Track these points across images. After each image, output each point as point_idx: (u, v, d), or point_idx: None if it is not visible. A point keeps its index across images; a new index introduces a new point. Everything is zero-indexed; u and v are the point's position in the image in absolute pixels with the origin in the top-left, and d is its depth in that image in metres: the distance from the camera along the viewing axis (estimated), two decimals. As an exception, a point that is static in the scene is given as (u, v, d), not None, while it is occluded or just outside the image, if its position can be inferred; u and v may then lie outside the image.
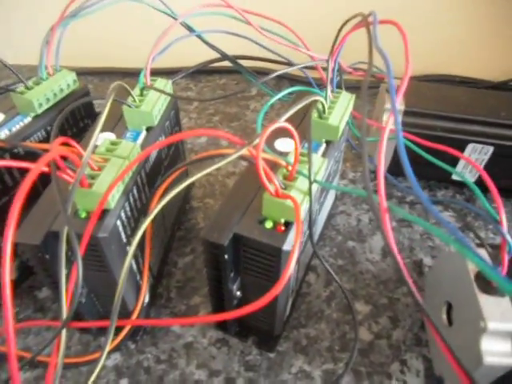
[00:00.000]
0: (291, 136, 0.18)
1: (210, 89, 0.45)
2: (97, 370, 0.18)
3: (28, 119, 0.25)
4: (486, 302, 0.19)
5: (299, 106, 0.19)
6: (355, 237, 0.31)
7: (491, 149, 0.31)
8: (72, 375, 0.23)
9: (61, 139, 0.19)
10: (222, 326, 0.25)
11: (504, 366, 0.19)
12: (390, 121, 0.16)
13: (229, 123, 0.40)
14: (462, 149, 0.31)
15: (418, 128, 0.31)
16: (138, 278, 0.24)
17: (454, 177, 0.33)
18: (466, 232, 0.31)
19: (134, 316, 0.23)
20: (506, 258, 0.19)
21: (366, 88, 0.16)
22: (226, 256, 0.19)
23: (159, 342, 0.25)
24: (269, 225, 0.19)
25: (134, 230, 0.22)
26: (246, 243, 0.19)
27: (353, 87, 0.31)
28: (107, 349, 0.18)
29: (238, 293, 0.21)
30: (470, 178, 0.33)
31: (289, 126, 0.18)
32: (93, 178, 0.19)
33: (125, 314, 0.24)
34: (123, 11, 0.27)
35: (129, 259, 0.18)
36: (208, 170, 0.18)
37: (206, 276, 0.21)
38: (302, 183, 0.19)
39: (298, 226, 0.17)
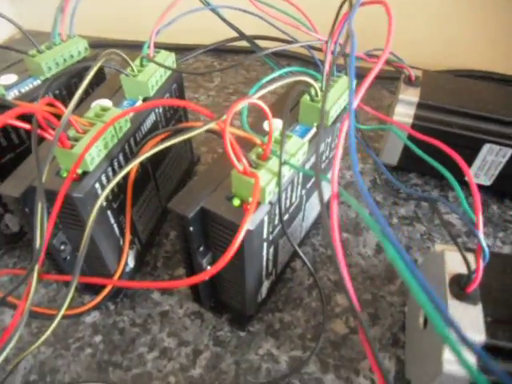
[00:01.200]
0: (264, 114, 0.18)
1: (234, 69, 0.45)
2: (56, 320, 0.19)
3: (38, 82, 0.26)
4: (455, 307, 0.18)
5: (277, 84, 0.19)
6: (351, 229, 0.30)
7: (510, 151, 0.28)
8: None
9: (46, 99, 0.19)
10: (197, 298, 0.25)
11: (464, 378, 0.17)
12: (350, 111, 0.15)
13: (245, 104, 0.40)
14: (477, 149, 0.29)
15: (431, 122, 0.29)
16: (121, 242, 0.25)
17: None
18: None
19: (115, 278, 0.24)
20: (481, 266, 0.18)
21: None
22: (191, 228, 0.19)
23: (137, 306, 0.26)
24: (236, 202, 0.19)
25: (115, 196, 0.23)
26: (211, 217, 0.19)
27: (380, 77, 0.30)
28: (67, 302, 0.19)
29: (209, 267, 0.22)
30: (486, 181, 0.31)
31: (260, 102, 0.18)
32: (76, 140, 0.20)
33: (107, 275, 0.25)
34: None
35: (96, 207, 0.18)
36: (176, 140, 0.18)
37: (180, 248, 0.21)
38: (274, 164, 0.19)
39: (253, 202, 0.16)
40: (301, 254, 0.22)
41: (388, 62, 0.30)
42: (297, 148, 0.20)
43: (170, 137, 0.18)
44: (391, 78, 0.43)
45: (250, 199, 0.19)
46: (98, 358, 0.24)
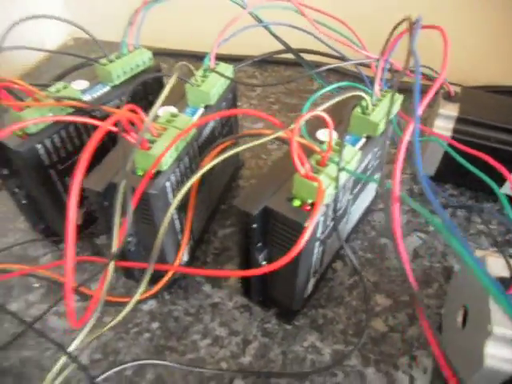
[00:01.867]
0: (328, 126, 0.20)
1: (274, 79, 0.47)
2: (130, 306, 0.21)
3: (107, 88, 0.29)
4: (496, 307, 0.20)
5: (338, 98, 0.21)
6: (389, 234, 0.31)
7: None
8: (113, 312, 0.27)
9: (129, 106, 0.22)
10: (247, 293, 0.27)
11: (504, 372, 0.19)
12: (411, 124, 0.17)
13: (287, 113, 0.42)
14: (512, 162, 0.30)
15: (470, 136, 0.31)
16: (180, 237, 0.27)
17: (504, 190, 0.32)
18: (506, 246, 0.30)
19: (176, 270, 0.26)
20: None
21: (397, 87, 0.17)
22: (254, 225, 0.21)
23: (190, 297, 0.28)
24: (296, 203, 0.21)
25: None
26: (274, 216, 0.21)
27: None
28: (141, 289, 0.21)
29: (264, 262, 0.24)
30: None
31: (325, 114, 0.20)
32: (152, 142, 0.22)
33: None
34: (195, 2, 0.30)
35: (171, 209, 0.21)
36: (244, 147, 0.20)
37: (238, 243, 0.24)
38: (332, 170, 0.21)
39: (318, 204, 0.18)
40: (348, 251, 0.24)
41: (429, 79, 0.32)
42: (351, 156, 0.22)
43: (233, 144, 0.20)
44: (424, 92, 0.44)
45: (310, 201, 0.21)
46: (155, 342, 0.26)
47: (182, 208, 0.26)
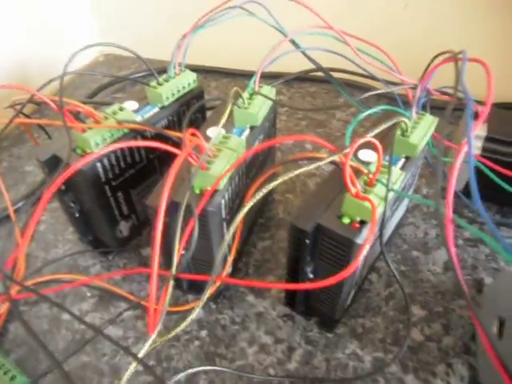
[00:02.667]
0: (375, 149, 0.22)
1: (301, 95, 0.49)
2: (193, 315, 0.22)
3: (156, 109, 0.31)
4: (536, 319, 0.21)
5: (387, 124, 0.22)
6: (420, 247, 0.33)
7: None
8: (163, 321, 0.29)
9: (191, 130, 0.24)
10: (290, 303, 0.29)
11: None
12: (464, 145, 0.19)
13: (315, 129, 0.44)
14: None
15: (498, 154, 0.32)
16: (227, 250, 0.28)
17: (529, 206, 0.34)
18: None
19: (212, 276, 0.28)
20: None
21: (449, 114, 0.19)
22: (307, 241, 0.23)
23: (235, 307, 0.29)
24: (346, 221, 0.23)
25: (230, 209, 0.27)
26: (325, 233, 0.23)
27: (437, 107, 0.33)
28: (206, 295, 0.23)
29: (311, 275, 0.25)
30: (546, 210, 0.33)
31: (375, 141, 0.21)
32: (209, 163, 0.24)
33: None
34: (237, 21, 0.32)
35: (230, 234, 0.22)
36: (302, 170, 0.22)
37: (287, 256, 0.25)
38: (379, 190, 0.23)
39: (374, 225, 0.20)
40: (391, 265, 0.25)
41: (458, 99, 0.34)
42: (397, 177, 0.23)
43: (286, 163, 0.22)
44: (443, 108, 0.46)
45: (358, 218, 0.22)
46: (205, 349, 0.27)
47: (231, 222, 0.28)
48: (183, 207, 0.23)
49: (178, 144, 0.25)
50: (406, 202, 0.33)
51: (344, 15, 0.34)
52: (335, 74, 0.40)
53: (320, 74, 0.38)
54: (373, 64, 0.30)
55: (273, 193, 0.37)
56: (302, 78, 0.50)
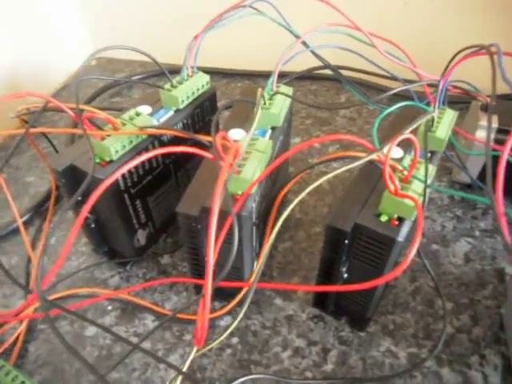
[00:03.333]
0: (407, 145, 0.22)
1: (302, 93, 0.49)
2: (236, 322, 0.22)
3: (171, 112, 0.30)
4: None
5: (420, 121, 0.22)
6: (439, 241, 0.33)
7: None
8: (190, 329, 0.28)
9: (221, 133, 0.23)
10: (319, 304, 0.29)
11: None
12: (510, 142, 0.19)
13: (320, 127, 0.44)
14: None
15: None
16: (254, 254, 0.28)
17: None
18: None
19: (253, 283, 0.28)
20: None
21: (491, 118, 0.19)
22: (346, 241, 0.23)
23: (264, 311, 0.29)
24: (384, 218, 0.22)
25: (259, 212, 0.26)
26: (364, 232, 0.23)
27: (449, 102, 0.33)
28: (245, 308, 0.22)
29: (346, 275, 0.25)
30: (556, 197, 0.34)
31: (413, 137, 0.21)
32: (239, 166, 0.23)
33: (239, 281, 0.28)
34: (235, 24, 0.31)
35: (267, 249, 0.22)
36: (341, 170, 0.22)
37: (321, 257, 0.25)
38: (416, 186, 0.23)
39: (421, 222, 0.20)
40: (425, 261, 0.25)
41: (467, 93, 0.34)
42: (430, 172, 0.23)
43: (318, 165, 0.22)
44: (457, 102, 0.46)
45: (396, 216, 0.22)
46: (238, 356, 0.27)
47: (258, 226, 0.27)
48: (217, 213, 0.22)
49: (201, 147, 0.24)
50: (423, 197, 0.33)
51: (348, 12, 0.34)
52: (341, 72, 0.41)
53: (321, 71, 0.37)
54: (396, 62, 0.30)
55: (287, 193, 0.37)
56: (303, 76, 0.49)
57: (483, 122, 0.33)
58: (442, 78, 0.26)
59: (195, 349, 0.21)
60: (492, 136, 0.33)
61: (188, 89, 0.30)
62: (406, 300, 0.30)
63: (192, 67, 0.31)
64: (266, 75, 0.43)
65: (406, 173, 0.23)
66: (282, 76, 0.38)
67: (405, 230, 0.22)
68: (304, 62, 0.38)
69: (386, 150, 0.21)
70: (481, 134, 0.33)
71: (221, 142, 0.23)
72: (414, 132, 0.26)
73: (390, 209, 0.22)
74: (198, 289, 0.29)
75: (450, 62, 0.26)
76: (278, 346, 0.27)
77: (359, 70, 0.45)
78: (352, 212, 0.23)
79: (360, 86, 0.48)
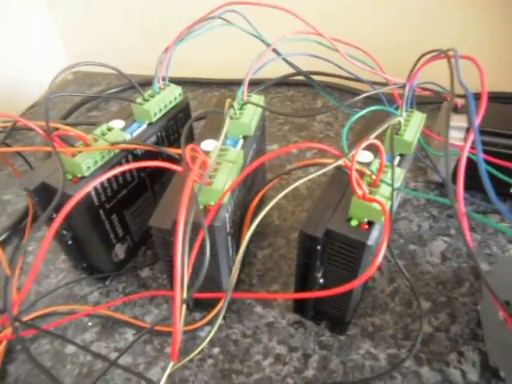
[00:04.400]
0: (373, 150, 0.22)
1: (279, 100, 0.49)
2: (212, 333, 0.22)
3: (144, 126, 0.30)
4: (543, 300, 0.22)
5: (386, 125, 0.23)
6: (416, 241, 0.34)
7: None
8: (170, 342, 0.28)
9: (191, 146, 0.23)
10: (299, 309, 0.29)
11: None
12: (470, 141, 0.19)
13: (298, 132, 0.44)
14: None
15: (482, 144, 0.33)
16: (231, 264, 0.28)
17: (512, 191, 0.35)
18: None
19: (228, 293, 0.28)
20: None
21: (449, 116, 0.19)
22: (318, 247, 0.23)
23: (244, 319, 0.29)
24: (354, 223, 0.23)
25: (233, 222, 0.26)
26: (335, 237, 0.23)
27: (418, 103, 0.34)
28: (220, 319, 0.22)
29: (321, 280, 0.25)
30: (528, 193, 0.35)
31: (378, 142, 0.22)
32: (210, 177, 0.24)
33: (218, 292, 0.28)
34: (223, 32, 0.31)
35: (240, 256, 0.22)
36: (310, 177, 0.22)
37: (296, 264, 0.25)
38: (384, 190, 0.23)
39: (388, 224, 0.20)
40: (398, 262, 0.26)
41: (437, 94, 0.35)
42: (398, 175, 0.24)
43: (289, 173, 0.22)
44: (431, 103, 0.47)
45: (366, 220, 0.23)
46: (219, 367, 0.27)
47: (234, 236, 0.28)
48: (189, 225, 0.22)
49: (172, 159, 0.24)
50: (398, 198, 0.34)
51: (322, 20, 0.34)
52: (314, 77, 0.41)
53: (296, 77, 0.38)
54: (361, 67, 0.30)
55: (265, 200, 0.37)
56: (279, 82, 0.50)
57: (452, 123, 0.34)
58: (407, 81, 0.27)
59: (171, 363, 0.21)
60: (462, 135, 0.34)
61: (160, 102, 0.30)
62: (384, 301, 0.30)
63: (164, 79, 0.32)
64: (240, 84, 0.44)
65: (374, 177, 0.23)
66: (257, 84, 0.38)
67: (375, 233, 0.23)
68: (280, 70, 0.39)
69: (352, 155, 0.21)
70: (451, 135, 0.34)
71: (191, 154, 0.23)
72: (382, 136, 0.27)
73: (359, 213, 0.23)
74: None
75: (414, 65, 0.26)
76: (259, 354, 0.27)
77: (333, 75, 0.46)
78: (323, 218, 0.23)
79: (337, 90, 0.49)
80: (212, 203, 0.24)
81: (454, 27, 0.46)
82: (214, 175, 0.24)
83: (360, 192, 0.22)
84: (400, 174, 0.24)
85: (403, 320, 0.29)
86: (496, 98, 0.48)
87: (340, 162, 0.22)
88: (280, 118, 0.46)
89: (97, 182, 0.20)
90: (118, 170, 0.20)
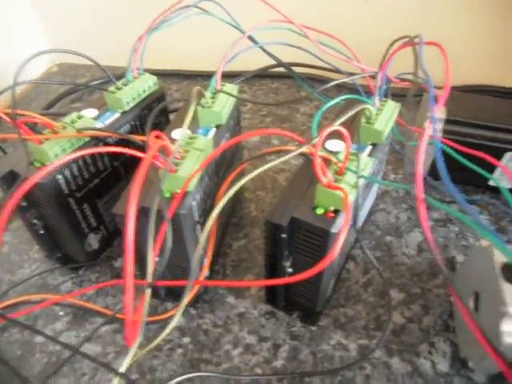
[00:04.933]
0: (342, 138, 0.22)
1: (263, 92, 0.49)
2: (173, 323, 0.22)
3: (117, 115, 0.30)
4: (508, 290, 0.22)
5: (351, 112, 0.23)
6: (393, 232, 0.33)
7: (529, 158, 0.33)
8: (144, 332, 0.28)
9: (156, 133, 0.23)
10: (271, 300, 0.29)
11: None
12: (429, 128, 0.19)
13: (280, 124, 0.44)
14: (499, 157, 0.33)
15: (459, 136, 0.33)
16: (202, 253, 0.28)
17: (491, 183, 0.35)
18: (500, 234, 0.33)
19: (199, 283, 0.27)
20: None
21: (411, 99, 0.19)
22: (283, 235, 0.23)
23: (216, 310, 0.29)
24: (320, 211, 0.22)
25: (203, 210, 0.26)
26: (300, 225, 0.23)
27: (398, 95, 0.34)
28: (184, 301, 0.22)
29: (290, 269, 0.25)
30: (507, 185, 0.35)
31: (342, 129, 0.21)
32: (177, 165, 0.23)
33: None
34: (194, 22, 0.31)
35: (204, 236, 0.22)
36: (270, 164, 0.22)
37: (264, 253, 0.25)
38: (350, 178, 0.23)
39: (348, 212, 0.20)
40: (367, 251, 0.26)
41: (416, 84, 0.35)
42: (365, 163, 0.24)
43: (255, 159, 0.22)
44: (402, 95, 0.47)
45: (332, 208, 0.22)
46: (189, 356, 0.27)
47: (204, 224, 0.27)
48: (153, 212, 0.22)
49: (142, 148, 0.24)
50: (375, 189, 0.33)
51: (301, 10, 0.34)
52: (297, 69, 0.41)
53: (281, 70, 0.38)
54: (333, 55, 0.30)
55: (244, 191, 0.37)
56: (263, 75, 0.50)
57: (430, 113, 0.33)
58: (379, 69, 0.27)
59: (132, 350, 0.21)
60: (440, 127, 0.34)
61: (133, 90, 0.30)
62: (358, 292, 0.30)
63: (138, 69, 0.31)
64: (226, 75, 0.43)
65: (340, 165, 0.23)
66: (236, 76, 0.38)
67: (340, 221, 0.22)
68: (264, 62, 0.38)
69: (319, 142, 0.21)
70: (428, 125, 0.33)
71: (156, 141, 0.23)
72: (350, 125, 0.27)
73: (324, 201, 0.22)
74: (152, 290, 0.29)
75: (385, 53, 0.26)
76: (228, 344, 0.27)
77: (314, 66, 0.45)
78: (290, 206, 0.23)
79: (320, 82, 0.48)
80: (178, 191, 0.24)
81: (441, 26, 0.46)
82: (180, 163, 0.24)
83: (325, 180, 0.22)
84: (368, 161, 0.24)
85: (376, 311, 0.29)
86: (487, 91, 0.48)
87: (303, 150, 0.21)
88: (263, 110, 0.46)
89: (54, 166, 0.20)
90: (76, 155, 0.20)
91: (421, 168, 0.19)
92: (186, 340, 0.27)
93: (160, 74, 0.32)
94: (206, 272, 0.29)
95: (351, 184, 0.22)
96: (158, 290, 0.29)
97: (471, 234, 0.33)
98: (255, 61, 0.43)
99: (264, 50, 0.33)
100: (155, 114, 0.25)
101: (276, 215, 0.23)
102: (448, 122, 0.33)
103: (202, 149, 0.25)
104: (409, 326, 0.28)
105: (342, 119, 0.22)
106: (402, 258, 0.32)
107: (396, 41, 0.25)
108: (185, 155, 0.24)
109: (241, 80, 0.37)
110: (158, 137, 0.23)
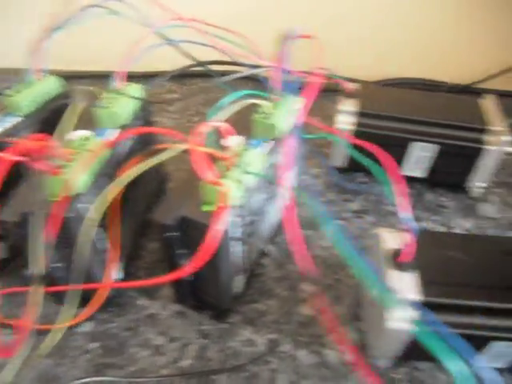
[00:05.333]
0: (222, 134, 0.22)
1: (192, 92, 0.48)
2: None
3: (17, 119, 0.29)
4: (393, 276, 0.23)
5: (235, 108, 0.23)
6: (311, 226, 0.34)
7: (436, 147, 0.33)
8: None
9: (38, 136, 0.22)
10: (180, 299, 0.28)
11: (405, 331, 0.22)
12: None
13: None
14: (406, 146, 0.34)
15: (369, 128, 0.34)
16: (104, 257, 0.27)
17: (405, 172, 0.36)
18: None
19: (104, 287, 0.27)
20: (411, 240, 0.22)
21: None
22: (168, 234, 0.23)
23: (127, 313, 0.29)
24: (207, 208, 0.22)
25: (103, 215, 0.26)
26: (188, 223, 0.23)
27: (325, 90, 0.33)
28: (67, 312, 0.21)
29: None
30: (420, 174, 0.36)
31: (219, 124, 0.22)
32: (65, 167, 0.23)
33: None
34: (103, 24, 0.31)
35: (88, 228, 0.22)
36: (154, 161, 0.21)
37: (162, 253, 0.25)
38: (237, 174, 0.23)
39: (222, 205, 0.20)
40: (270, 246, 0.26)
41: (328, 78, 0.35)
42: (255, 158, 0.24)
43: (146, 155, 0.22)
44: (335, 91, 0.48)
45: (220, 204, 0.22)
46: (95, 361, 0.26)
47: (106, 227, 0.27)
48: (37, 216, 0.21)
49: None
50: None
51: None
52: (219, 68, 0.41)
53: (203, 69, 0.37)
54: (235, 51, 0.30)
55: (161, 194, 0.36)
56: (193, 74, 0.49)
57: (343, 107, 0.34)
58: (275, 64, 0.27)
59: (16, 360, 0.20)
60: (353, 120, 0.34)
61: (34, 93, 0.29)
62: (271, 287, 0.30)
63: (40, 71, 0.31)
64: (148, 75, 0.43)
65: (228, 162, 0.23)
66: (155, 76, 0.38)
67: (226, 217, 0.22)
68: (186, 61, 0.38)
69: (194, 138, 0.21)
70: (341, 119, 0.34)
71: (35, 145, 0.22)
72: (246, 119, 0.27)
73: (209, 197, 0.22)
74: (56, 297, 0.28)
75: (276, 48, 0.26)
76: (136, 347, 0.27)
77: (233, 63, 0.45)
78: (180, 204, 0.23)
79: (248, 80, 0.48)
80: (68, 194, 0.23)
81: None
82: (68, 165, 0.23)
83: (207, 176, 0.22)
84: (258, 156, 0.24)
85: (287, 304, 0.29)
86: (416, 83, 0.49)
87: (184, 146, 0.21)
88: (191, 109, 0.45)
89: None
90: None
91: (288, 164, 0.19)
92: (95, 345, 0.27)
93: (66, 76, 0.31)
94: (117, 274, 0.29)
95: (237, 179, 0.22)
96: (62, 296, 0.28)
97: (386, 224, 0.34)
98: (173, 61, 0.42)
99: (174, 46, 0.32)
100: (45, 113, 0.24)
101: (164, 214, 0.22)
102: (360, 114, 0.34)
103: (94, 149, 0.24)
104: (319, 317, 0.28)
105: (222, 114, 0.22)
106: (318, 251, 0.32)
107: (282, 37, 0.25)
108: (74, 157, 0.24)
109: (163, 80, 0.37)
110: (41, 140, 0.22)
